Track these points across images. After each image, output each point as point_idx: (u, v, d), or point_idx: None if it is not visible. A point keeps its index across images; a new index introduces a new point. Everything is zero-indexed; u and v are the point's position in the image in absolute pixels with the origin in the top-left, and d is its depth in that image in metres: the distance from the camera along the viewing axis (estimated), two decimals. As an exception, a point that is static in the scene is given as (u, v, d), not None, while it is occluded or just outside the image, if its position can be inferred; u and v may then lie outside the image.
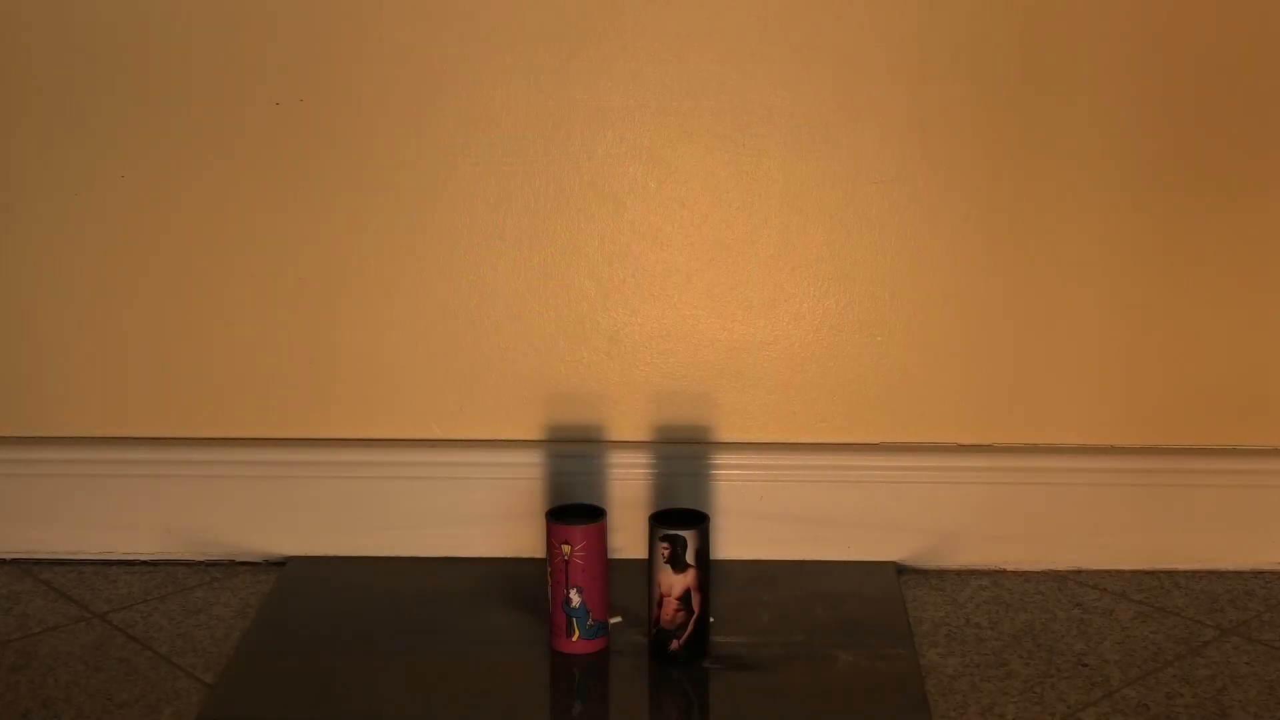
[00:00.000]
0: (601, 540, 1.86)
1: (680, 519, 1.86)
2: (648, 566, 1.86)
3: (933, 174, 2.04)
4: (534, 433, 2.12)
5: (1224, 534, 2.10)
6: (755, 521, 2.11)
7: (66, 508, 2.13)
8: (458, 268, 2.08)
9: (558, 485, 2.11)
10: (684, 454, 2.11)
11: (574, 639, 1.87)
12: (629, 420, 2.12)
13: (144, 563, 2.15)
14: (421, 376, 2.11)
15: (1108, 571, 2.10)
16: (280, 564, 2.13)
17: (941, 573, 2.11)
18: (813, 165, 2.04)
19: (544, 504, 2.09)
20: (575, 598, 1.85)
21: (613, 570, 1.89)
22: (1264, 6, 1.98)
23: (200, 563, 2.15)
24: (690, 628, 1.86)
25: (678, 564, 1.84)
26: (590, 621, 1.87)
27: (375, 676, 1.84)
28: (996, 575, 2.10)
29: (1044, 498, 2.09)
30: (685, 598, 1.85)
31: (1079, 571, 2.10)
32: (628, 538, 2.07)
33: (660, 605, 1.85)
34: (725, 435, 2.12)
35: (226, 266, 2.09)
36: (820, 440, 2.11)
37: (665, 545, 1.84)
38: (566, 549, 1.84)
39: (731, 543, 2.10)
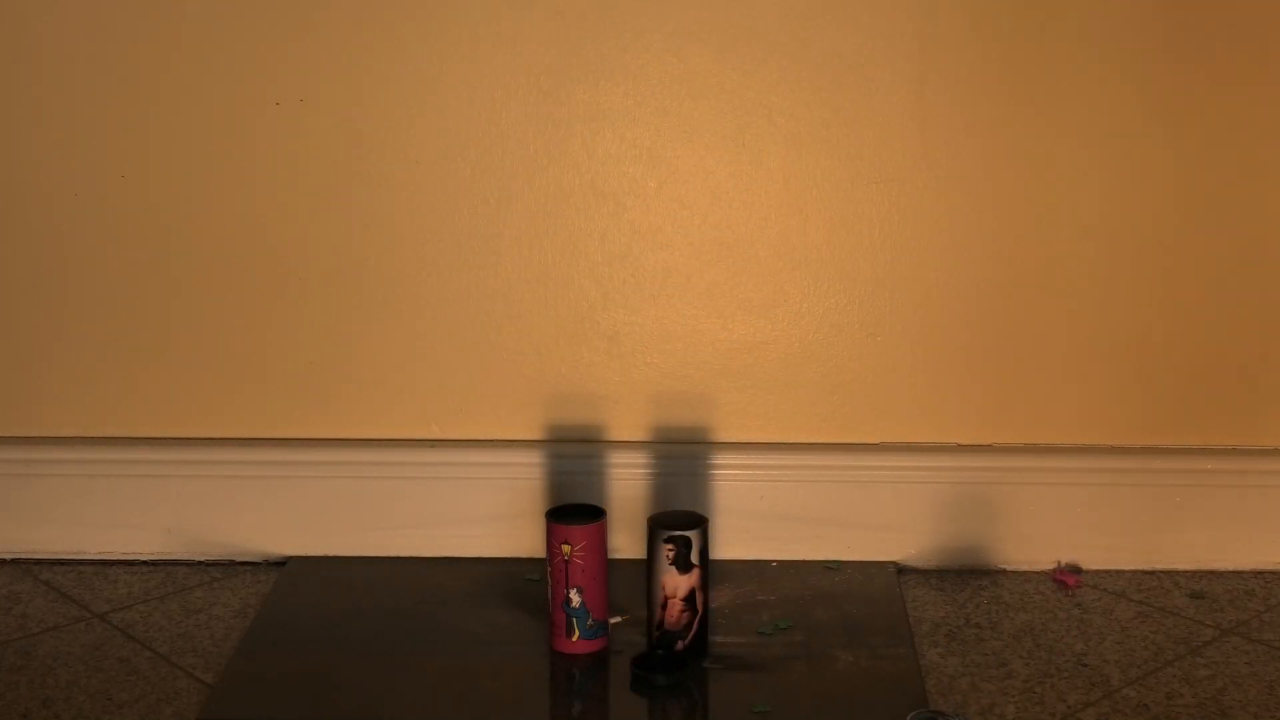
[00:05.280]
0: (601, 540, 1.86)
1: (678, 520, 1.86)
2: (648, 570, 1.86)
3: (933, 174, 2.04)
4: (534, 433, 2.12)
5: (1224, 534, 2.10)
6: (755, 521, 2.11)
7: (66, 508, 2.13)
8: (458, 268, 2.08)
9: (558, 485, 2.11)
10: (684, 454, 2.11)
11: (574, 639, 1.87)
12: (629, 420, 2.12)
13: (144, 563, 2.15)
14: (421, 376, 2.11)
15: (1108, 571, 2.10)
16: (280, 564, 2.13)
17: (941, 573, 2.11)
18: (813, 165, 2.04)
19: (544, 504, 2.09)
20: (575, 598, 1.85)
21: (613, 570, 1.89)
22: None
23: (200, 563, 2.15)
24: (695, 628, 1.86)
25: (683, 565, 1.84)
26: (590, 621, 1.87)
27: (375, 676, 1.84)
28: (996, 575, 2.10)
29: (1044, 498, 2.09)
30: (690, 598, 1.85)
31: (1079, 572, 2.10)
32: (628, 538, 2.07)
33: (665, 607, 1.85)
34: (725, 435, 2.12)
35: (226, 266, 2.09)
36: (820, 440, 2.11)
37: (670, 546, 1.84)
38: (566, 549, 1.84)
39: (731, 543, 2.10)
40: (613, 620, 1.89)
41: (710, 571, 1.88)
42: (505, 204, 2.06)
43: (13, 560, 2.15)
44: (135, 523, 2.14)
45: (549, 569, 1.87)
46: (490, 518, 2.12)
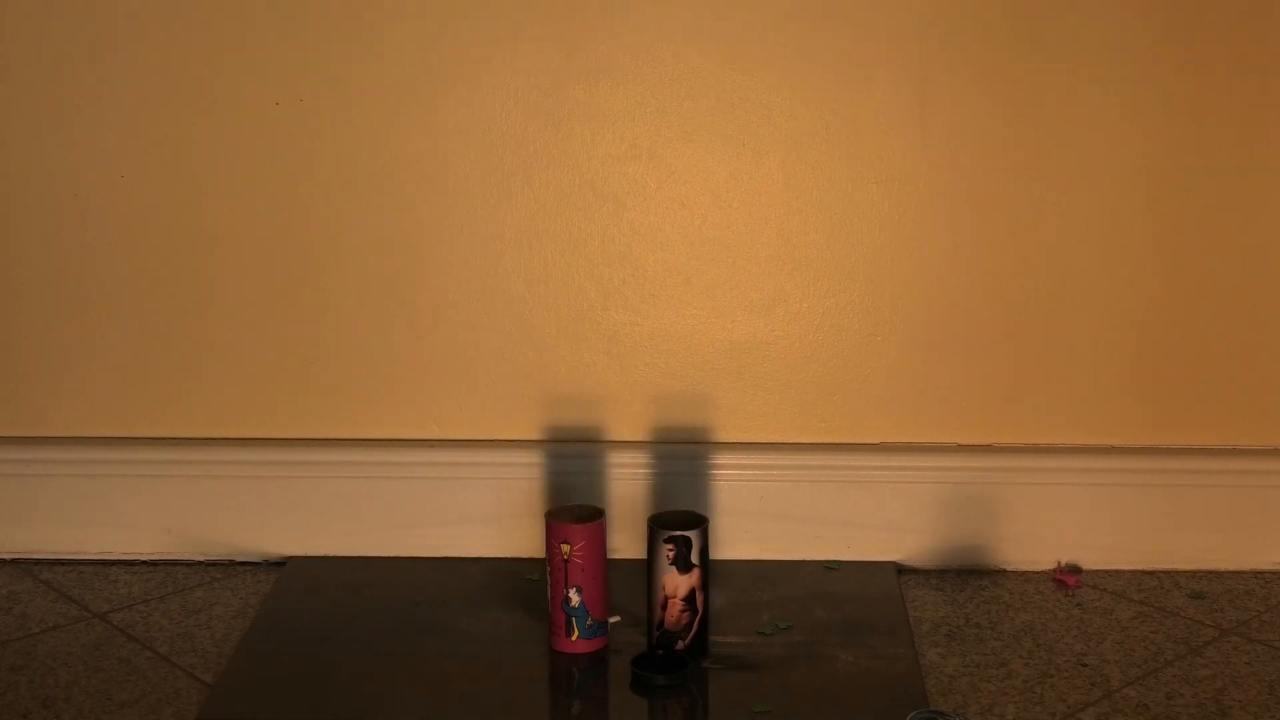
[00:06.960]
0: (601, 540, 1.86)
1: (678, 520, 1.86)
2: (648, 570, 1.86)
3: (933, 174, 2.04)
4: (534, 433, 2.12)
5: (1224, 534, 2.10)
6: (755, 521, 2.11)
7: (66, 508, 2.13)
8: (458, 267, 2.08)
9: (558, 485, 2.11)
10: (684, 454, 2.11)
11: (574, 639, 1.87)
12: (629, 420, 2.12)
13: (144, 563, 2.15)
14: (422, 376, 2.11)
15: (1108, 571, 2.10)
16: (280, 564, 2.13)
17: (941, 573, 2.11)
18: (813, 165, 2.04)
19: (544, 504, 2.09)
20: (575, 597, 1.85)
21: (612, 570, 1.89)
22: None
23: (200, 563, 2.15)
24: (695, 628, 1.86)
25: (683, 565, 1.84)
26: (590, 621, 1.87)
27: (375, 676, 1.84)
28: (996, 575, 2.10)
29: (1044, 498, 2.09)
30: (690, 598, 1.85)
31: (1079, 571, 2.10)
32: (627, 538, 2.07)
33: (665, 608, 1.85)
34: (725, 435, 2.12)
35: (226, 266, 2.09)
36: (820, 440, 2.11)
37: (670, 547, 1.84)
38: (566, 549, 1.84)
39: (731, 543, 2.10)
40: (612, 620, 1.89)
41: (710, 571, 1.88)
42: (505, 204, 2.06)
43: (13, 560, 2.15)
44: (135, 523, 2.14)
45: (549, 569, 1.87)
46: (490, 518, 2.12)
